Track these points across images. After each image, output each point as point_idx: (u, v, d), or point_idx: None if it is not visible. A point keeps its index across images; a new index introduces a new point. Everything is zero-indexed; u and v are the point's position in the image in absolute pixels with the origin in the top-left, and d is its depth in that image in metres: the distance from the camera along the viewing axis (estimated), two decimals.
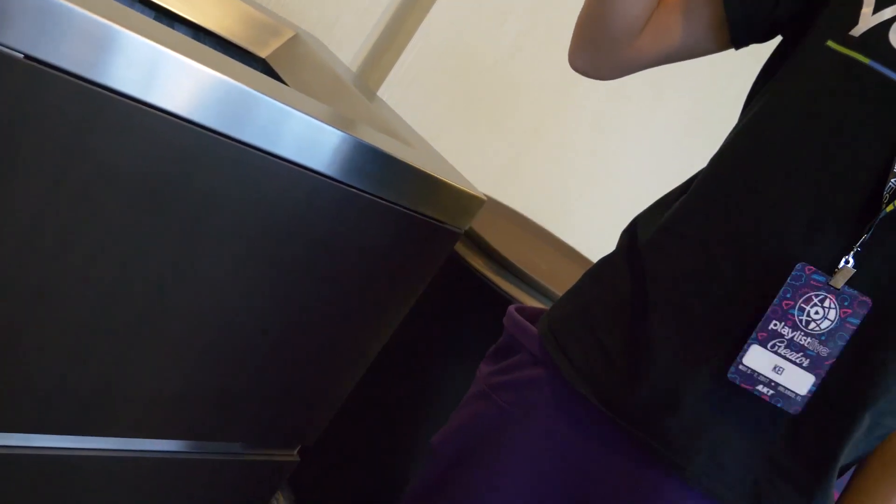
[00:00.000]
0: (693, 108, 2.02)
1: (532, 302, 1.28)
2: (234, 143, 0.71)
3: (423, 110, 1.60)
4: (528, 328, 0.80)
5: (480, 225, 1.40)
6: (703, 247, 0.68)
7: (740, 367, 0.64)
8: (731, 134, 0.76)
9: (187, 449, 0.95)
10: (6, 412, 0.77)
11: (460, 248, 1.35)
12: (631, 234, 0.78)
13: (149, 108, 0.65)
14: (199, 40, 1.10)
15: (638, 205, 2.42)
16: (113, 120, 0.64)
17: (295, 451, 1.06)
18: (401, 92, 1.53)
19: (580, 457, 0.73)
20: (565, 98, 1.80)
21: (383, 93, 1.51)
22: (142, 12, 1.02)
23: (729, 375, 0.64)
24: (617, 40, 0.82)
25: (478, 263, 1.32)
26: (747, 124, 0.71)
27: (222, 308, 0.82)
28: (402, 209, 0.86)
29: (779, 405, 0.64)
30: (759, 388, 0.64)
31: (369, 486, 1.47)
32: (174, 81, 0.66)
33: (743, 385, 0.64)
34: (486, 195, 1.68)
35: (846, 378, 0.64)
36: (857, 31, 0.64)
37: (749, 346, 0.64)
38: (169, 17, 1.08)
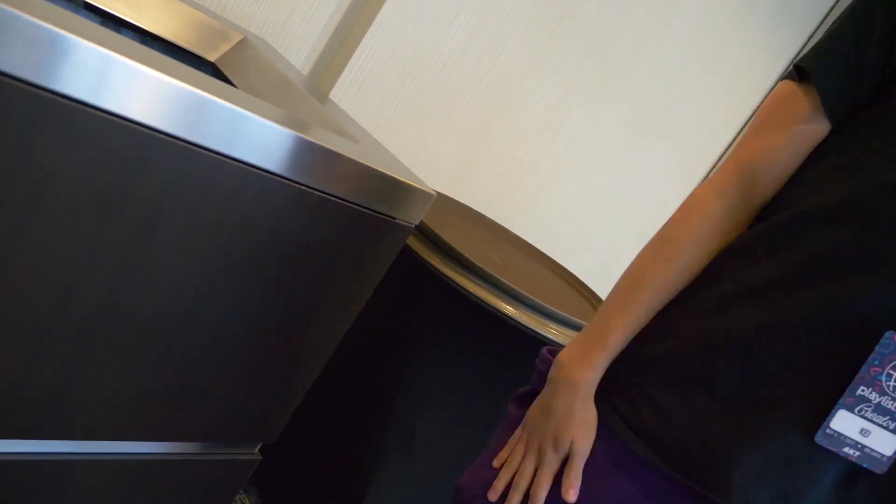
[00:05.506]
0: (642, 105, 2.07)
1: (485, 294, 1.30)
2: (182, 144, 0.72)
3: (376, 111, 1.62)
4: None
5: (434, 221, 1.42)
6: (784, 312, 0.67)
7: (827, 431, 0.65)
8: (804, 194, 0.73)
9: (146, 450, 0.95)
10: None
11: (415, 244, 1.37)
12: (691, 293, 0.77)
13: (97, 112, 0.66)
14: (146, 45, 1.10)
15: (588, 200, 2.46)
16: (62, 124, 0.65)
17: (256, 450, 1.07)
18: (353, 94, 1.55)
19: None
20: (516, 96, 1.83)
21: (336, 95, 1.52)
22: (87, 18, 1.02)
23: (816, 439, 0.65)
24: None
25: (433, 260, 1.34)
26: (839, 200, 0.68)
27: (176, 308, 0.83)
28: (352, 205, 0.88)
29: (864, 465, 0.65)
30: (846, 449, 0.65)
31: (334, 482, 1.48)
32: (122, 86, 0.66)
33: (829, 447, 0.65)
34: (438, 192, 1.71)
35: None
36: None
37: (837, 411, 0.65)
38: (115, 23, 1.08)
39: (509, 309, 1.31)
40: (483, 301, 1.30)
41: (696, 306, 0.74)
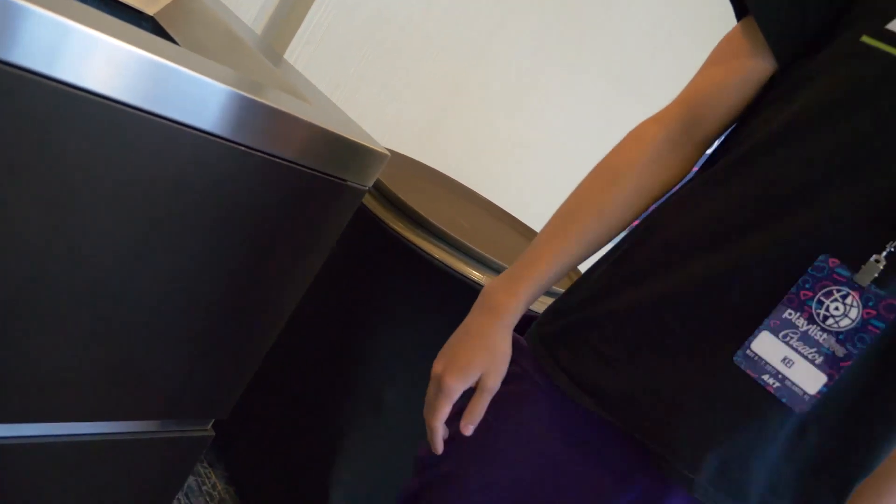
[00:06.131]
0: (615, 63, 2.01)
1: (451, 260, 1.26)
2: (108, 102, 0.66)
3: (336, 70, 1.55)
4: (518, 341, 0.77)
5: (400, 185, 1.37)
6: (724, 240, 0.64)
7: (748, 352, 0.61)
8: (751, 131, 0.70)
9: (87, 431, 0.90)
10: None
11: (379, 209, 1.32)
12: (633, 238, 0.74)
13: (8, 68, 0.60)
14: None
15: (561, 162, 2.41)
16: None
17: (209, 426, 1.03)
18: (310, 52, 1.48)
19: (580, 474, 0.71)
20: (484, 54, 1.77)
21: (291, 53, 1.45)
22: None
23: (734, 359, 0.62)
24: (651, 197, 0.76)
25: (398, 225, 1.29)
26: (782, 123, 0.65)
27: (107, 279, 0.78)
28: (298, 167, 0.83)
29: (783, 400, 0.61)
30: (765, 377, 0.61)
31: (302, 453, 1.45)
32: (47, 41, 0.60)
33: (748, 371, 0.62)
34: (406, 155, 1.65)
35: (869, 384, 0.61)
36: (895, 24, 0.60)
37: (759, 332, 0.61)
38: None
39: (476, 274, 1.27)
40: (449, 267, 1.26)
41: (645, 260, 0.70)
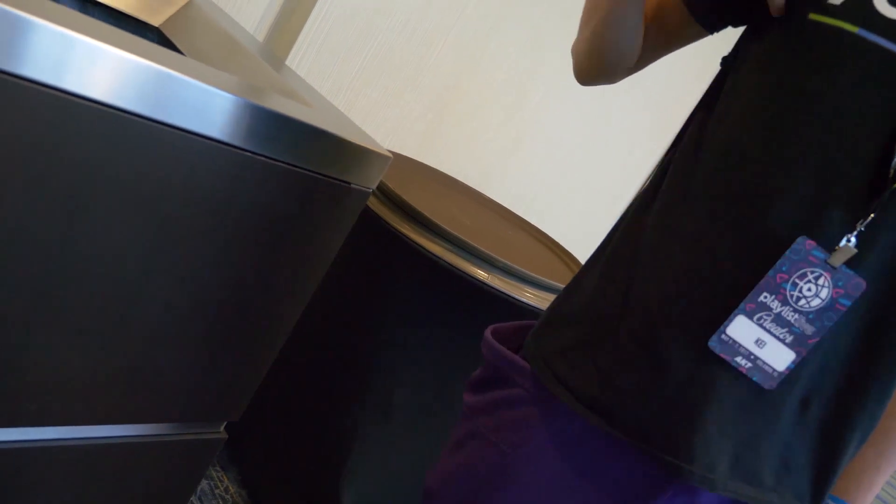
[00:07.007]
0: None
1: (456, 259, 1.27)
2: (117, 112, 0.68)
3: (337, 75, 1.57)
4: (517, 361, 0.76)
5: (403, 186, 1.38)
6: (699, 241, 0.64)
7: (723, 336, 0.62)
8: (705, 120, 0.71)
9: (103, 434, 0.92)
10: None
11: (383, 211, 1.33)
12: (612, 243, 0.74)
13: (22, 81, 0.61)
14: (86, 12, 1.04)
15: (563, 157, 2.42)
16: None
17: (221, 428, 1.04)
18: (311, 57, 1.49)
19: (601, 493, 0.70)
20: (481, 53, 1.78)
21: (293, 60, 1.47)
22: None
23: (710, 344, 0.62)
24: (620, 65, 0.87)
25: (403, 227, 1.31)
26: (739, 107, 0.66)
27: (124, 285, 0.79)
28: (303, 171, 0.84)
29: (754, 378, 0.62)
30: (738, 359, 0.62)
31: (313, 456, 1.47)
32: (54, 54, 0.62)
33: (722, 355, 0.62)
34: (408, 156, 1.67)
35: (858, 352, 0.63)
36: None
37: (735, 317, 0.62)
38: None
39: (481, 273, 1.28)
40: (453, 266, 1.27)
41: (629, 268, 0.70)
